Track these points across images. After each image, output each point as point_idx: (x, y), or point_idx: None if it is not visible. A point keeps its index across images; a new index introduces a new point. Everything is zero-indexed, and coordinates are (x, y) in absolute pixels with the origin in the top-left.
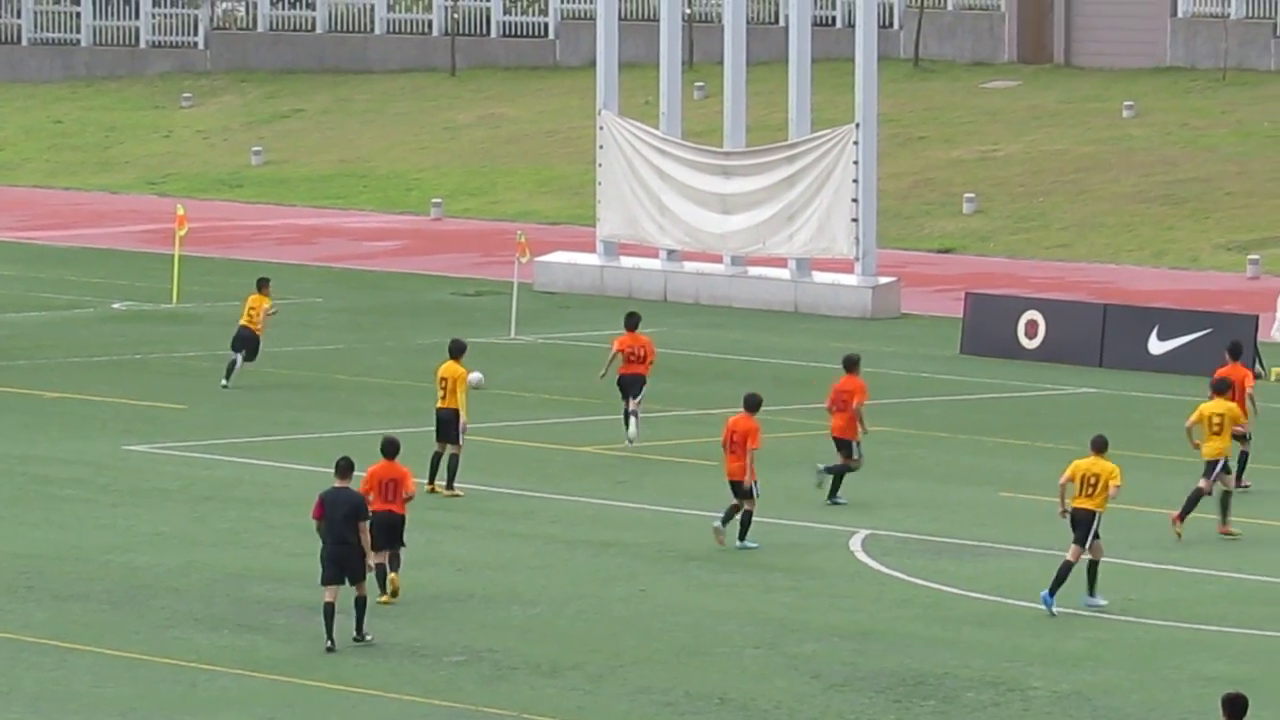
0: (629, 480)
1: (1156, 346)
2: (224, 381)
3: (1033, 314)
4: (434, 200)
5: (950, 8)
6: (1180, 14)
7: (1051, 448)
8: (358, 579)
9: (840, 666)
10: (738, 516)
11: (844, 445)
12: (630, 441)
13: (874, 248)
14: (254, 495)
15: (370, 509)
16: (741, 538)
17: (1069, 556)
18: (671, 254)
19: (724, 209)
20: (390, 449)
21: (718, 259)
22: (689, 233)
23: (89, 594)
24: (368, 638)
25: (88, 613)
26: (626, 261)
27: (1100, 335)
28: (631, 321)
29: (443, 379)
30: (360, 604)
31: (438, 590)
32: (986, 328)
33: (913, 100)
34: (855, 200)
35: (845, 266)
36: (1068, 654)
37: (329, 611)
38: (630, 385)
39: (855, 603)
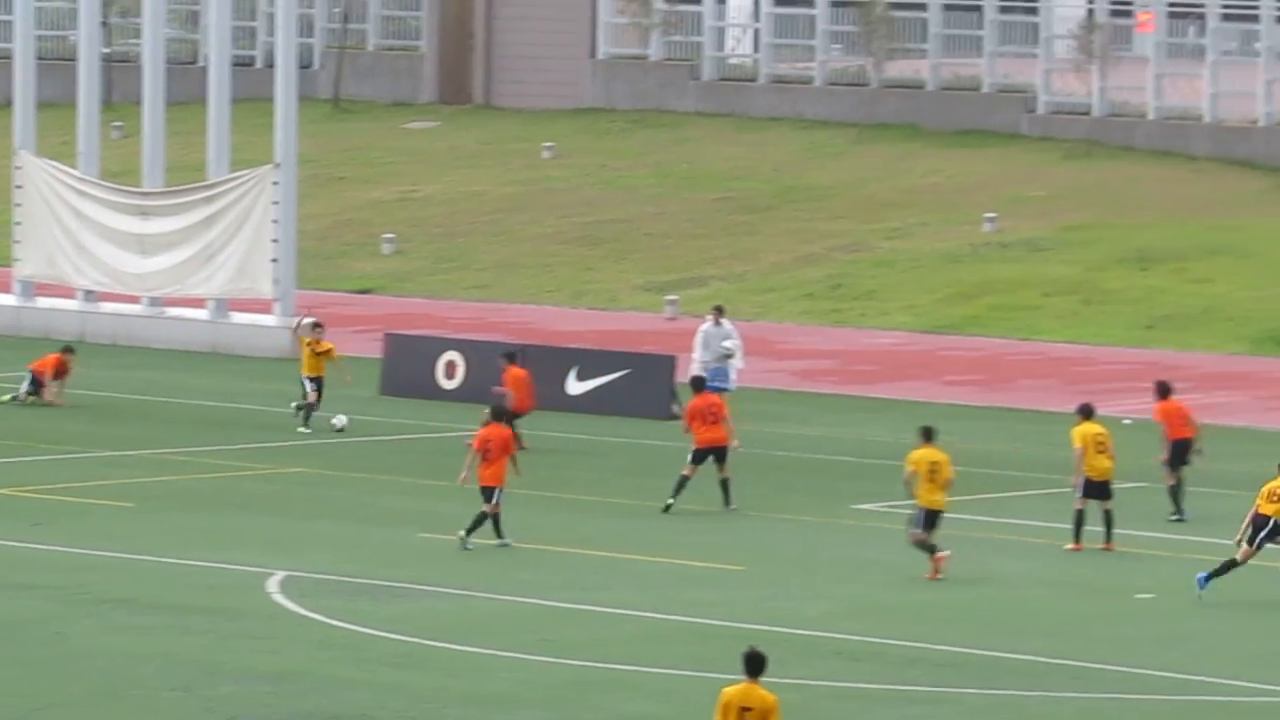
0: (44, 523)
1: (575, 387)
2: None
3: (452, 355)
4: None
5: (370, 48)
6: (600, 55)
7: (472, 489)
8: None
9: (258, 708)
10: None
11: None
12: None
13: (293, 288)
14: None
15: None
16: (499, 534)
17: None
18: (89, 295)
19: (142, 249)
20: None
21: (136, 300)
22: (108, 273)
23: None
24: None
25: None
26: (43, 302)
27: None
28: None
29: None
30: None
31: None
32: (405, 368)
33: (333, 140)
34: (275, 240)
35: (266, 307)
36: (487, 695)
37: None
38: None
39: (272, 644)
